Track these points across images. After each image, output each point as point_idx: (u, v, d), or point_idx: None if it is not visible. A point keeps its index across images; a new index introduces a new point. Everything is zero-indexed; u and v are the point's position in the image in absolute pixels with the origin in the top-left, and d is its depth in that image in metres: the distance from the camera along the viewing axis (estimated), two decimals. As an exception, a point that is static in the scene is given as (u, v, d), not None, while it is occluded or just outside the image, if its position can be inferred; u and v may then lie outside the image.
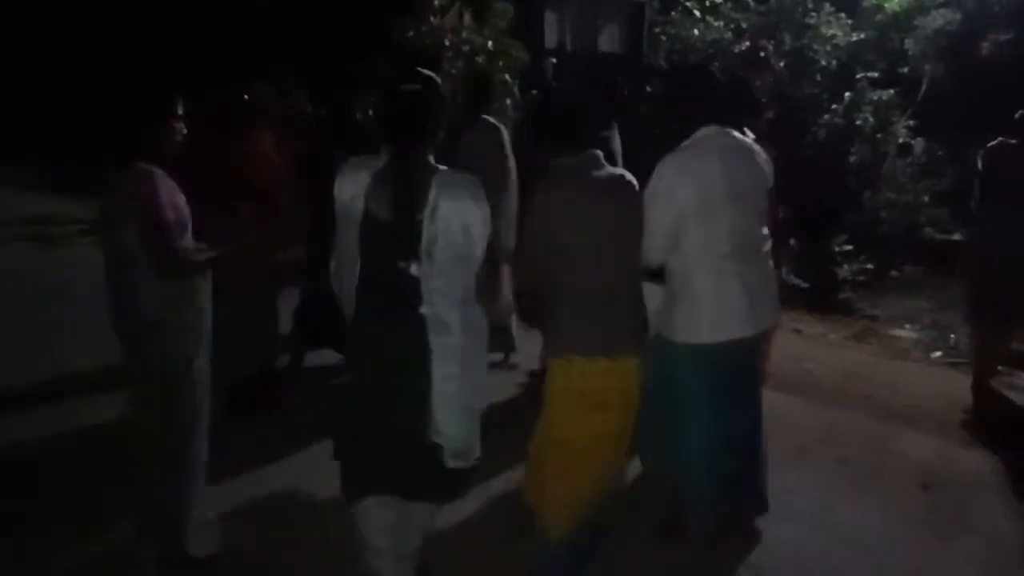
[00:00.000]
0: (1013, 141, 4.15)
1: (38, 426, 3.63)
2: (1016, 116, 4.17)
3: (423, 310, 1.94)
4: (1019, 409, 4.33)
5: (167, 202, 2.38)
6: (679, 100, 2.68)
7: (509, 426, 2.87)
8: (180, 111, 2.51)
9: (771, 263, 2.76)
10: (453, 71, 7.62)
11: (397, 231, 1.92)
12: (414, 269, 1.92)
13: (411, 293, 1.93)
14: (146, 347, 2.44)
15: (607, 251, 2.28)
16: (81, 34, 10.57)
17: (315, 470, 2.94)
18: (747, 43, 5.71)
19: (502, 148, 4.06)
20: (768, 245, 2.74)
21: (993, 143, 4.25)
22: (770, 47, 5.29)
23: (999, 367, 4.57)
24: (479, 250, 2.00)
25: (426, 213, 1.92)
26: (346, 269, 2.03)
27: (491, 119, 4.19)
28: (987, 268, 4.30)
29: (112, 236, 2.40)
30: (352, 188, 1.97)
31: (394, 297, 1.95)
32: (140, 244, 2.33)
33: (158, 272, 2.37)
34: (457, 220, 1.93)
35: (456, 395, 1.99)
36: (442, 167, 2.00)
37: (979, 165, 4.37)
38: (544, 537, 2.33)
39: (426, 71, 2.04)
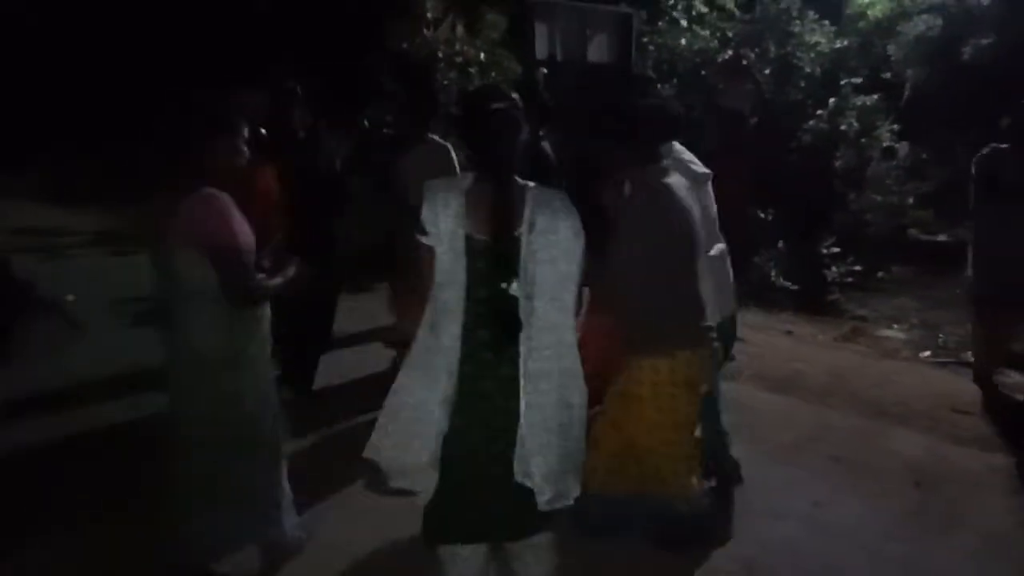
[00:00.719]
0: (1006, 146, 4.30)
1: (41, 432, 3.69)
2: (1007, 123, 4.30)
3: (522, 335, 1.91)
4: (1011, 407, 4.43)
5: (239, 229, 2.25)
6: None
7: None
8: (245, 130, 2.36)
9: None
10: (446, 82, 7.72)
11: (498, 250, 1.90)
12: (514, 288, 1.89)
13: (512, 313, 1.90)
14: (218, 384, 2.29)
15: (695, 249, 2.50)
16: (74, 38, 10.54)
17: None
18: (729, 52, 5.81)
19: (451, 167, 4.00)
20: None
21: (987, 150, 4.39)
22: (751, 56, 5.40)
23: (1000, 367, 4.72)
24: (576, 265, 1.99)
25: (524, 229, 1.92)
26: (449, 297, 1.94)
27: (437, 137, 4.20)
28: (989, 270, 4.45)
29: (174, 265, 2.22)
30: (445, 212, 1.91)
31: (497, 321, 1.91)
32: (212, 274, 2.19)
33: (232, 302, 2.23)
34: (554, 235, 1.94)
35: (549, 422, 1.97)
36: (530, 183, 1.98)
37: (974, 171, 4.50)
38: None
39: (503, 90, 2.02)
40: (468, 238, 1.91)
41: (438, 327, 1.96)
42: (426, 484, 2.00)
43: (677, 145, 3.02)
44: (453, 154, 4.08)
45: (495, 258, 1.90)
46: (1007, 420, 4.19)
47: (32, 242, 7.34)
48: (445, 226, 1.91)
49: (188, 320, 2.27)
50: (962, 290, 4.82)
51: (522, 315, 1.90)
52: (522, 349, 1.92)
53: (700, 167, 3.04)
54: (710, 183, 3.08)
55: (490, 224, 1.89)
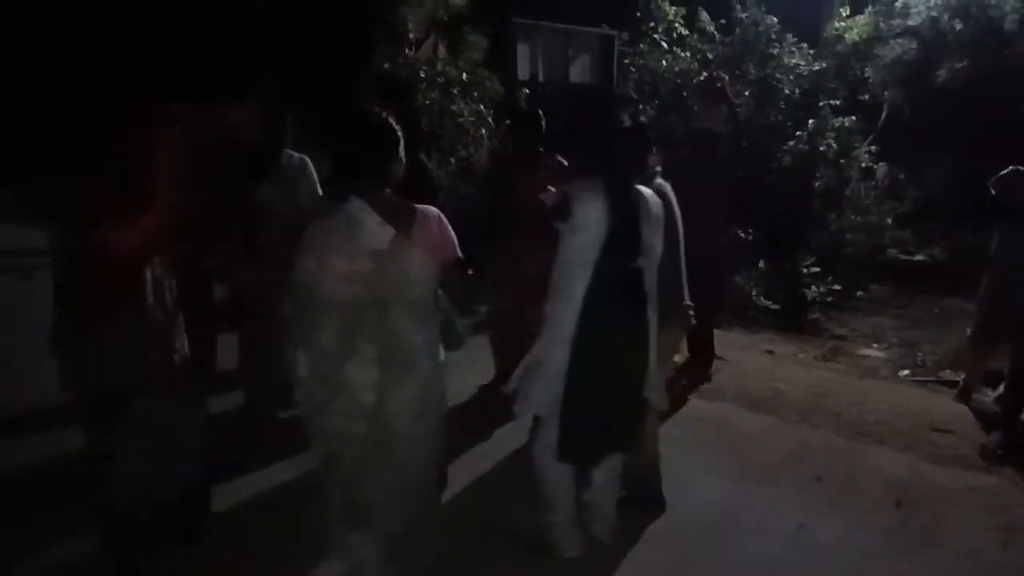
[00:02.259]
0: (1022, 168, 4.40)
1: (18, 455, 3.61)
2: None
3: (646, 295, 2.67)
4: (984, 424, 4.47)
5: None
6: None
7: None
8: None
9: None
10: (428, 102, 7.75)
11: (630, 235, 2.60)
12: (640, 262, 2.63)
13: (639, 283, 2.65)
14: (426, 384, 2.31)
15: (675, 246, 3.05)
16: (52, 50, 10.43)
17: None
18: (705, 74, 5.88)
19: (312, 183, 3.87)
20: None
21: (1006, 171, 4.48)
22: (726, 78, 5.47)
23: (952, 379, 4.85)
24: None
25: (643, 217, 2.63)
26: (583, 271, 2.58)
27: (295, 155, 3.90)
28: (1002, 290, 4.54)
29: (401, 274, 2.19)
30: (593, 206, 2.54)
31: (627, 289, 2.62)
32: (435, 283, 2.26)
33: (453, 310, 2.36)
34: (658, 220, 2.69)
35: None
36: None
37: (992, 192, 4.58)
38: None
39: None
40: (612, 227, 2.55)
41: (571, 294, 2.59)
42: (551, 413, 2.69)
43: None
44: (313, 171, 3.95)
45: (626, 241, 2.60)
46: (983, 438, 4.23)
47: (7, 263, 7.22)
48: (593, 215, 2.54)
49: (402, 325, 2.23)
50: (976, 309, 4.89)
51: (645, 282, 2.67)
52: (649, 307, 2.70)
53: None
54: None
55: (624, 215, 2.59)
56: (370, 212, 2.18)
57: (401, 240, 2.18)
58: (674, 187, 3.16)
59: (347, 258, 2.15)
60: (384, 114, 2.28)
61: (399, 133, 2.27)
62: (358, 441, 2.25)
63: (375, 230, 2.17)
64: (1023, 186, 4.36)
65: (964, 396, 4.84)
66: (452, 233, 2.30)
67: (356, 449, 2.26)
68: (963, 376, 5.00)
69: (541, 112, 4.34)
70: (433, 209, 2.29)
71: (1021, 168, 4.41)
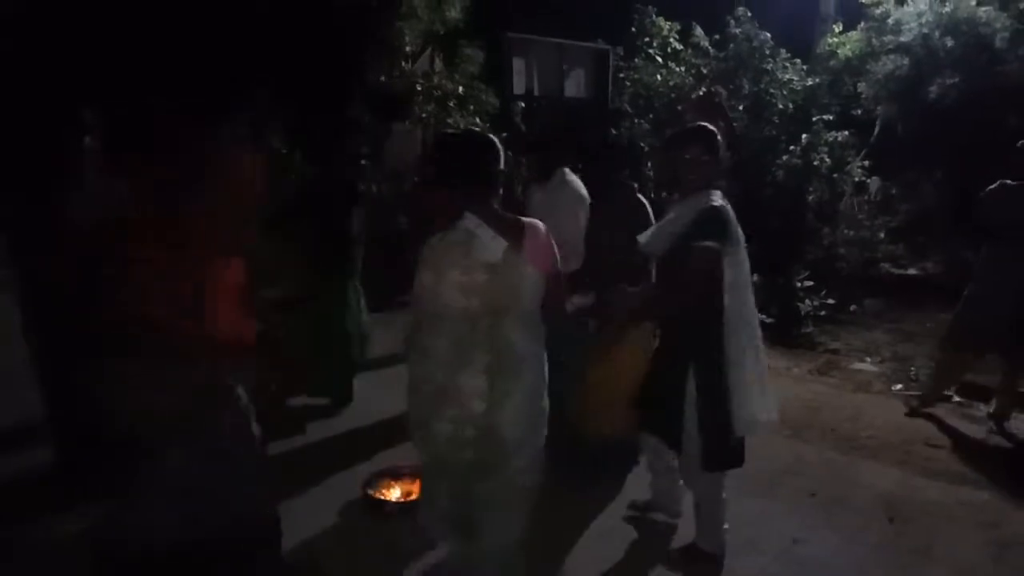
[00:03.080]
0: (1012, 183, 4.40)
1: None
2: (1012, 161, 4.41)
3: None
4: (977, 439, 4.49)
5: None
6: None
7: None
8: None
9: None
10: (424, 115, 7.78)
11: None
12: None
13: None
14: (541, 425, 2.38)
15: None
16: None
17: None
18: (703, 90, 5.93)
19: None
20: None
21: (994, 186, 4.49)
22: (724, 93, 5.51)
23: (947, 393, 4.86)
24: None
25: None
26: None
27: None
28: (977, 302, 4.54)
29: (510, 284, 2.24)
30: (736, 230, 3.00)
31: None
32: (540, 294, 2.29)
33: (556, 319, 2.38)
34: None
35: None
36: None
37: (980, 206, 4.59)
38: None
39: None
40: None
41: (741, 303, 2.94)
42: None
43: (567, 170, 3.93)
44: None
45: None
46: (975, 454, 4.24)
47: None
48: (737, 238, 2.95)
49: (514, 335, 2.29)
50: (953, 317, 4.91)
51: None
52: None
53: (583, 190, 3.85)
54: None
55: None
56: (484, 226, 2.25)
57: (512, 252, 2.24)
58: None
59: (464, 270, 2.23)
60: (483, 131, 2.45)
61: (500, 148, 2.36)
62: (467, 447, 2.30)
63: (489, 243, 2.24)
64: (1012, 200, 4.37)
65: (926, 404, 4.80)
66: (554, 246, 2.36)
67: (464, 456, 2.32)
68: (929, 387, 4.98)
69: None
70: (539, 222, 2.34)
71: (1007, 182, 4.42)
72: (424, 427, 2.35)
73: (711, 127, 3.08)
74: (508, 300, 2.26)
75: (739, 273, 2.88)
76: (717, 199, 2.86)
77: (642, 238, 3.10)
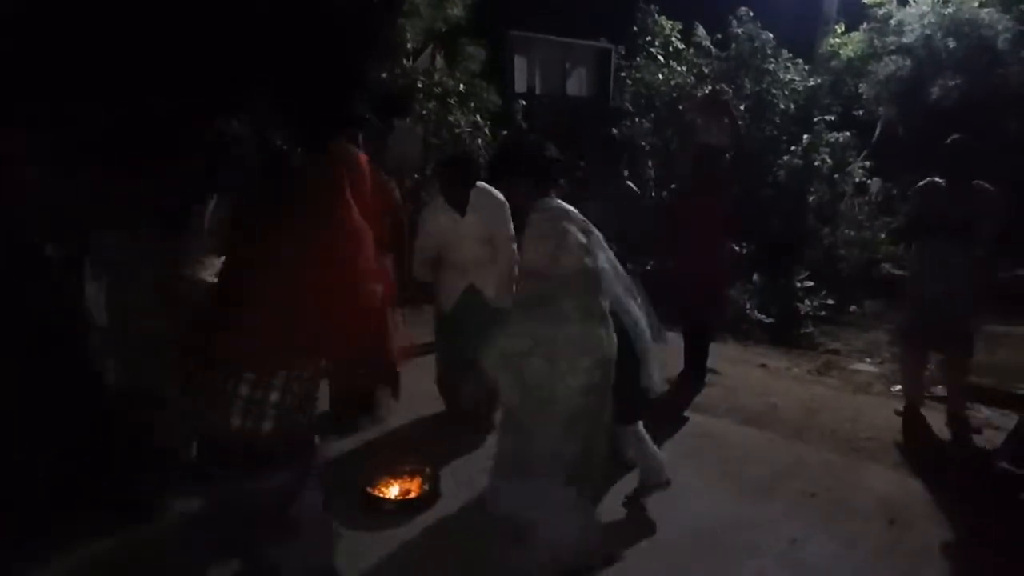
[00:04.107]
0: (941, 180, 4.36)
1: None
2: (941, 158, 4.37)
3: None
4: (977, 442, 4.47)
5: None
6: None
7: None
8: None
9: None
10: (425, 113, 7.77)
11: None
12: None
13: None
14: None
15: None
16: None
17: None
18: (708, 88, 5.92)
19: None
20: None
21: (924, 182, 4.46)
22: (730, 91, 5.51)
23: (925, 393, 4.78)
24: None
25: None
26: None
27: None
28: (918, 300, 4.51)
29: (601, 256, 2.82)
30: None
31: None
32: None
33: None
34: None
35: None
36: None
37: (912, 203, 4.59)
38: None
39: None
40: None
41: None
42: None
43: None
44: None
45: None
46: (971, 456, 4.23)
47: None
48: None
49: (615, 287, 2.84)
50: (895, 325, 4.89)
51: None
52: None
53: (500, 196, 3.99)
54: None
55: None
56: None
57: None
58: (678, 201, 3.34)
59: (576, 236, 2.67)
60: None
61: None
62: (593, 391, 2.66)
63: (576, 212, 2.77)
64: (941, 197, 4.32)
65: (911, 412, 4.62)
66: None
67: (587, 401, 2.66)
68: (903, 390, 4.88)
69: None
70: None
71: (937, 179, 4.38)
72: (548, 387, 2.61)
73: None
74: (603, 258, 2.76)
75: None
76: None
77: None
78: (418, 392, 4.48)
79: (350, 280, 2.05)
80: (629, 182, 4.55)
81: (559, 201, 2.80)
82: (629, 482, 3.64)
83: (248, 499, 2.05)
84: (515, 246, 4.22)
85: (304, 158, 2.25)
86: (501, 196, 4.20)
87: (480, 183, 4.21)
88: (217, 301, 2.13)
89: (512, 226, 4.21)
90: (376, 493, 3.47)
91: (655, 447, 3.47)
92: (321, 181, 2.08)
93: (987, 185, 4.22)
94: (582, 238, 2.70)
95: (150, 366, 3.07)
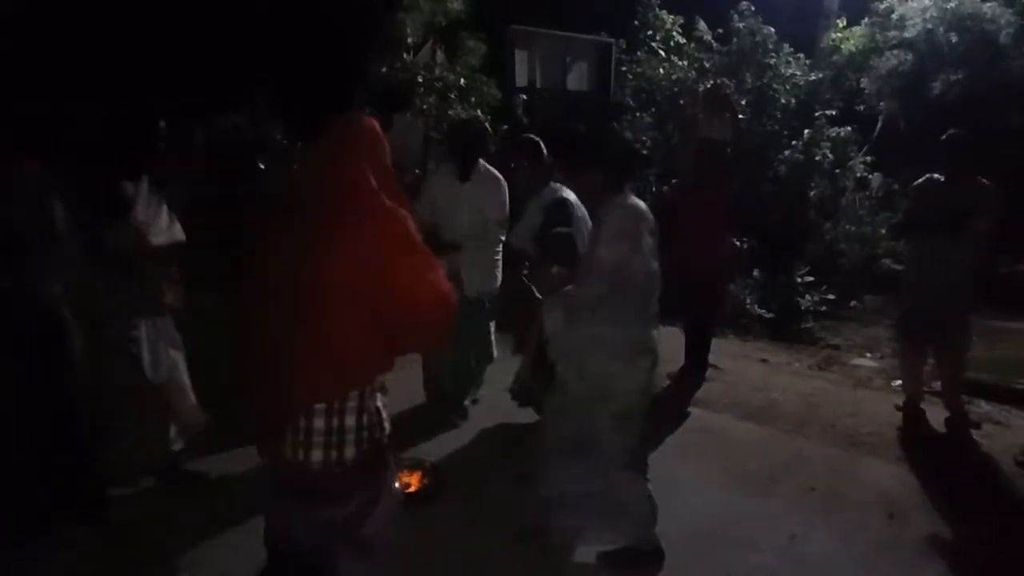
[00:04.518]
0: (938, 176, 4.36)
1: None
2: (938, 154, 4.36)
3: None
4: (974, 435, 4.48)
5: None
6: None
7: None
8: None
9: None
10: (425, 107, 7.75)
11: None
12: None
13: None
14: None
15: None
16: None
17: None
18: (711, 83, 5.91)
19: None
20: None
21: (922, 179, 4.46)
22: (731, 86, 5.50)
23: (925, 388, 4.76)
24: None
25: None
26: None
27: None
28: (913, 295, 4.52)
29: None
30: None
31: None
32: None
33: None
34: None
35: None
36: None
37: (909, 199, 4.59)
38: None
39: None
40: None
41: None
42: None
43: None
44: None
45: None
46: (973, 451, 4.24)
47: None
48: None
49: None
50: (893, 320, 4.87)
51: None
52: None
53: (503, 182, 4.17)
54: None
55: None
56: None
57: None
58: (680, 196, 3.31)
59: (648, 240, 2.70)
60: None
61: None
62: (648, 389, 2.84)
63: (648, 211, 2.79)
64: (936, 194, 4.32)
65: (911, 406, 4.62)
66: None
67: (645, 398, 2.81)
68: (903, 385, 4.88)
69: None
70: None
71: (934, 176, 4.38)
72: (609, 385, 2.69)
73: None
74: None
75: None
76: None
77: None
78: (416, 384, 4.48)
79: (412, 263, 1.82)
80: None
81: (635, 199, 2.79)
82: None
83: (323, 528, 1.89)
84: (503, 236, 4.22)
85: (306, 152, 2.12)
86: (504, 182, 4.22)
87: (488, 165, 4.21)
88: (260, 335, 1.90)
89: (507, 213, 4.20)
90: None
91: None
92: (335, 175, 1.83)
93: (984, 180, 4.22)
94: (651, 240, 2.72)
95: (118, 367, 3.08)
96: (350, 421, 1.85)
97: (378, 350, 1.84)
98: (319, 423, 1.82)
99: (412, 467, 3.57)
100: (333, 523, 1.88)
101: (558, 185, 3.99)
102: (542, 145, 4.11)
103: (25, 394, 2.75)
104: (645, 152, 2.95)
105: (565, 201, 3.79)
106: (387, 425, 1.99)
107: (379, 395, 1.96)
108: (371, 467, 1.93)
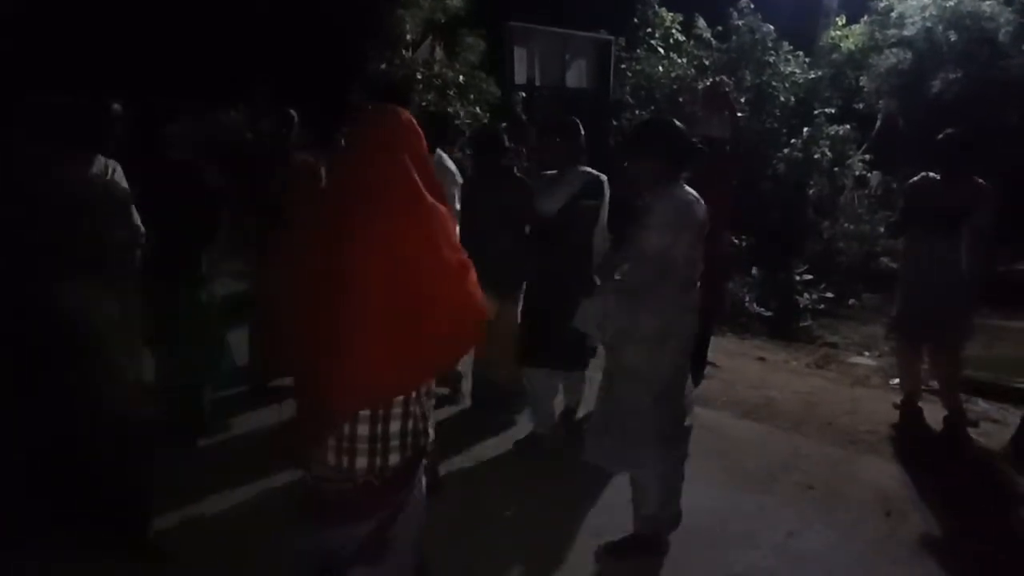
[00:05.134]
0: (934, 175, 4.35)
1: None
2: (934, 152, 4.36)
3: None
4: (974, 435, 4.48)
5: None
6: None
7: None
8: None
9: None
10: (424, 104, 7.75)
11: None
12: None
13: None
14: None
15: None
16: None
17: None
18: (710, 80, 5.91)
19: None
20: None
21: (916, 177, 4.46)
22: (731, 84, 5.49)
23: (922, 386, 4.76)
24: None
25: None
26: None
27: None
28: (910, 294, 4.52)
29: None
30: None
31: None
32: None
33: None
34: None
35: None
36: None
37: (903, 197, 4.59)
38: None
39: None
40: None
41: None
42: None
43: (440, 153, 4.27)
44: None
45: None
46: (968, 449, 4.25)
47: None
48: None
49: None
50: (890, 318, 4.88)
51: None
52: None
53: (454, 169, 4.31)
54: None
55: None
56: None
57: None
58: None
59: (691, 232, 2.82)
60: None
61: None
62: (682, 371, 2.95)
63: (701, 204, 2.86)
64: (931, 192, 4.31)
65: (908, 404, 4.61)
66: None
67: (681, 378, 2.95)
68: (901, 384, 4.87)
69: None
70: None
71: (930, 174, 4.37)
72: (647, 366, 2.83)
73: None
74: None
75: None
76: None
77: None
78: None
79: (455, 260, 1.78)
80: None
81: (687, 188, 2.87)
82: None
83: (357, 539, 1.84)
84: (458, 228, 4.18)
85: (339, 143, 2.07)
86: (455, 169, 4.31)
87: (440, 152, 4.24)
88: (296, 339, 1.84)
89: (457, 204, 4.21)
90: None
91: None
92: (371, 170, 1.75)
93: (980, 180, 4.22)
94: (694, 231, 2.84)
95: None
96: (395, 427, 1.82)
97: (416, 357, 1.78)
98: (363, 430, 1.79)
99: None
100: (367, 533, 1.84)
101: (586, 168, 3.96)
102: (581, 128, 4.08)
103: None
104: (702, 147, 2.97)
105: (601, 180, 3.86)
106: (431, 432, 1.96)
107: (426, 400, 1.93)
108: (411, 471, 1.90)
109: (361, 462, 1.79)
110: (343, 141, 1.97)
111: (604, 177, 3.89)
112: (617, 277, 2.99)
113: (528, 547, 3.06)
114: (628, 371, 2.85)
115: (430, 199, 1.75)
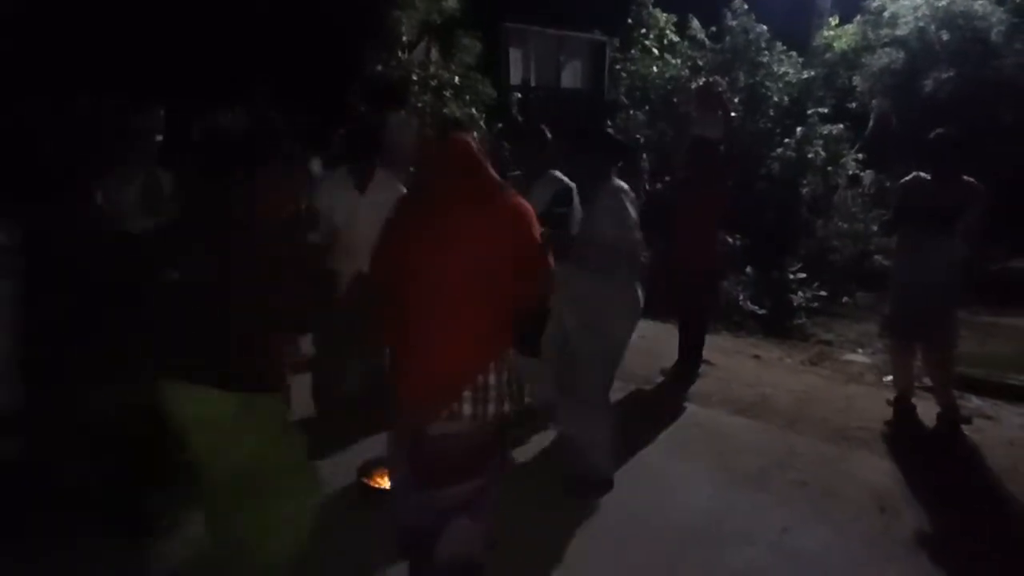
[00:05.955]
0: (925, 175, 4.38)
1: None
2: (925, 152, 4.39)
3: None
4: (967, 432, 4.52)
5: None
6: None
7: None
8: None
9: None
10: (420, 105, 7.77)
11: None
12: None
13: None
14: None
15: None
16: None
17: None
18: (703, 80, 5.94)
19: None
20: None
21: (907, 177, 4.49)
22: (724, 84, 5.52)
23: (915, 383, 4.78)
24: None
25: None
26: None
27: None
28: (902, 293, 4.55)
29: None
30: None
31: None
32: None
33: None
34: None
35: None
36: None
37: (894, 197, 4.63)
38: None
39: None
40: None
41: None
42: None
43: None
44: None
45: None
46: (962, 445, 4.28)
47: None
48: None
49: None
50: (882, 317, 4.90)
51: None
52: None
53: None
54: None
55: None
56: None
57: None
58: (673, 193, 3.52)
59: (632, 213, 3.31)
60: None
61: None
62: (627, 340, 3.52)
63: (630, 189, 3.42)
64: (922, 191, 4.34)
65: (902, 402, 4.64)
66: None
67: (623, 346, 3.52)
68: (894, 381, 4.89)
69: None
70: None
71: (921, 174, 4.40)
72: (602, 332, 3.35)
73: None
74: None
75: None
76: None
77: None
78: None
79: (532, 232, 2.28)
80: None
81: (619, 180, 3.41)
82: (627, 473, 3.68)
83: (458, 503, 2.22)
84: None
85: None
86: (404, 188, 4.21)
87: (386, 172, 4.09)
88: (423, 320, 2.19)
89: None
90: (372, 483, 3.49)
91: None
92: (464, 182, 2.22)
93: (971, 179, 4.25)
94: (635, 213, 3.33)
95: None
96: (503, 377, 2.22)
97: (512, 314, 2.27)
98: (492, 379, 2.18)
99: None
100: (474, 488, 2.21)
101: (556, 173, 3.99)
102: (547, 134, 4.10)
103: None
104: (628, 144, 3.52)
105: (571, 188, 3.92)
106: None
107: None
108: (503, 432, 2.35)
109: (491, 408, 2.17)
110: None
111: (573, 184, 3.85)
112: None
113: (528, 547, 3.09)
114: (590, 336, 3.35)
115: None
